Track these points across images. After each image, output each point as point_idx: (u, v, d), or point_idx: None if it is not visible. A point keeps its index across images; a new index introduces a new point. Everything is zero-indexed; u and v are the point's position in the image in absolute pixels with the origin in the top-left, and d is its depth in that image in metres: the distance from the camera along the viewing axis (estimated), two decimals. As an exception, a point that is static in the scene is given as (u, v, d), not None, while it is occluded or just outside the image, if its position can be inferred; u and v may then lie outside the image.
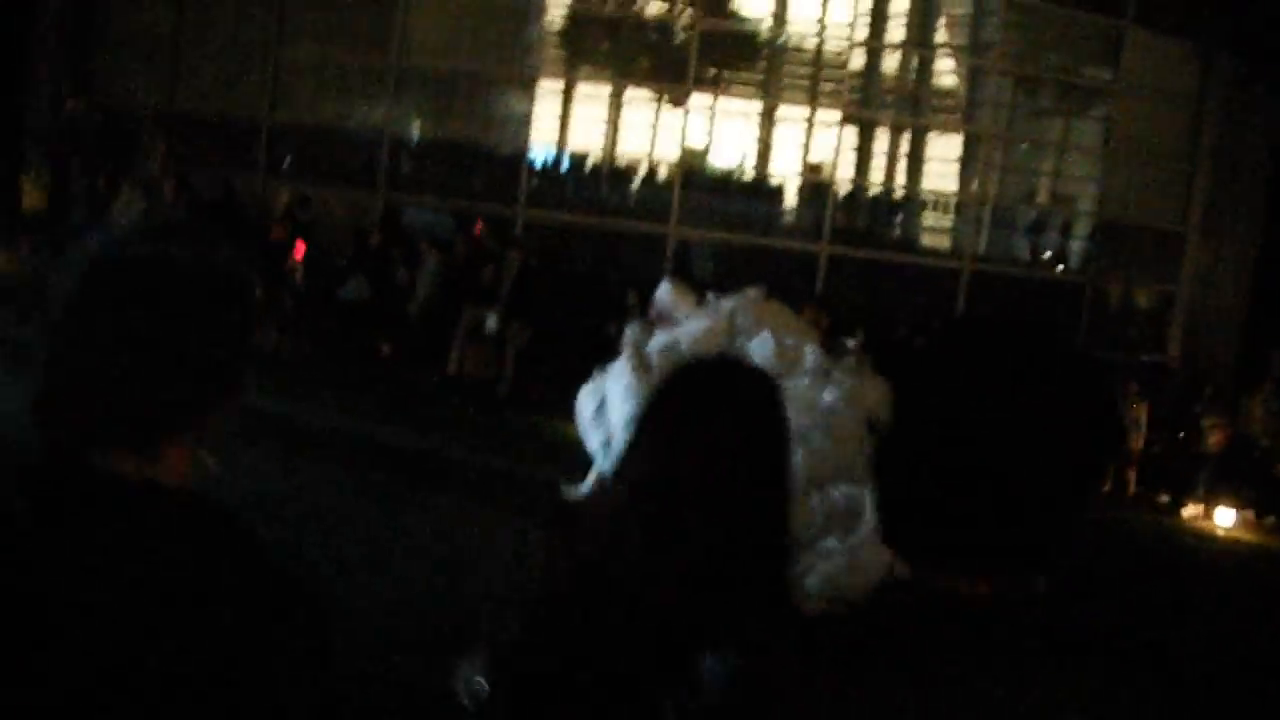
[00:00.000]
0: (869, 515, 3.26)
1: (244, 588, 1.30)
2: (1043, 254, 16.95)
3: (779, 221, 16.24)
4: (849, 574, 3.12)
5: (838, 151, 15.87)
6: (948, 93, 16.65)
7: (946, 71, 16.64)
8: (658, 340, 3.92)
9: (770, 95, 16.00)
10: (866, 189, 16.62)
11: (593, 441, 3.68)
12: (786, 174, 16.23)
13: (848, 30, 15.64)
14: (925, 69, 16.43)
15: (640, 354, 3.82)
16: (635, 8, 15.85)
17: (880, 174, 16.74)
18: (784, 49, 15.88)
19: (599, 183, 16.35)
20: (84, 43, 16.45)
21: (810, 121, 15.98)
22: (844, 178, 16.07)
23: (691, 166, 15.78)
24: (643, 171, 16.14)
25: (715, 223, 15.72)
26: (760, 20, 15.78)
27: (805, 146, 15.98)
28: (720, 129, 16.08)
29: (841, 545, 3.30)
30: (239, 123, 15.86)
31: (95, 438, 1.29)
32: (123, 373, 1.28)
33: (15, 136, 15.38)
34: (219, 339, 1.34)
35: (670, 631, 1.76)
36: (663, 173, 15.91)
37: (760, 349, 3.79)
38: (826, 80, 15.83)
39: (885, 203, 16.99)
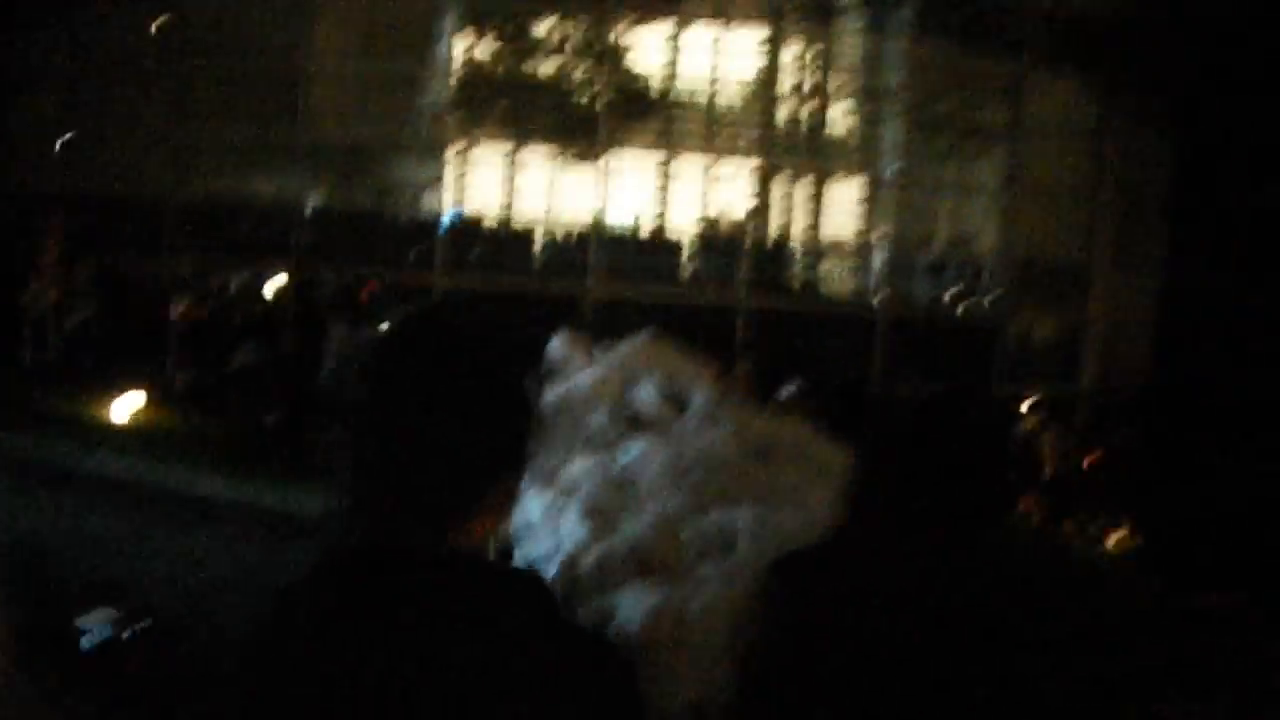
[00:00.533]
0: (744, 543, 3.34)
1: (559, 649, 1.31)
2: (953, 295, 17.07)
3: (686, 274, 16.32)
4: (731, 598, 3.14)
5: (751, 201, 16.04)
6: (847, 138, 16.88)
7: (845, 116, 16.89)
8: (551, 394, 4.00)
9: (672, 148, 16.19)
10: (780, 238, 16.74)
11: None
12: (693, 226, 16.35)
13: (747, 80, 15.90)
14: (823, 115, 16.67)
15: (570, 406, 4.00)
16: (534, 69, 16.05)
17: (789, 222, 16.88)
18: (683, 103, 16.11)
19: (513, 244, 16.40)
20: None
21: (713, 173, 16.15)
22: (751, 228, 16.19)
23: (602, 224, 15.87)
24: (553, 231, 16.22)
25: (629, 279, 15.74)
26: (659, 75, 16.01)
27: (707, 198, 16.13)
28: (625, 184, 16.21)
29: (716, 572, 3.36)
30: (139, 201, 15.86)
31: (419, 517, 1.30)
32: (447, 448, 1.29)
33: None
34: (520, 408, 1.35)
35: None
36: (574, 232, 16.01)
37: (645, 395, 3.94)
38: (726, 131, 16.04)
39: (797, 250, 17.11)
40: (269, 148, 16.01)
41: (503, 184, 16.27)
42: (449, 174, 16.18)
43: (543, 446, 3.74)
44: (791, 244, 17.01)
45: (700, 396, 4.10)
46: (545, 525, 3.62)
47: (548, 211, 16.24)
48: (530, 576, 1.36)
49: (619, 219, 16.27)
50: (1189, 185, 16.41)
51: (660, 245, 16.43)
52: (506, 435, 1.33)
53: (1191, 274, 15.91)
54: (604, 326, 14.12)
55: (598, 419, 4.05)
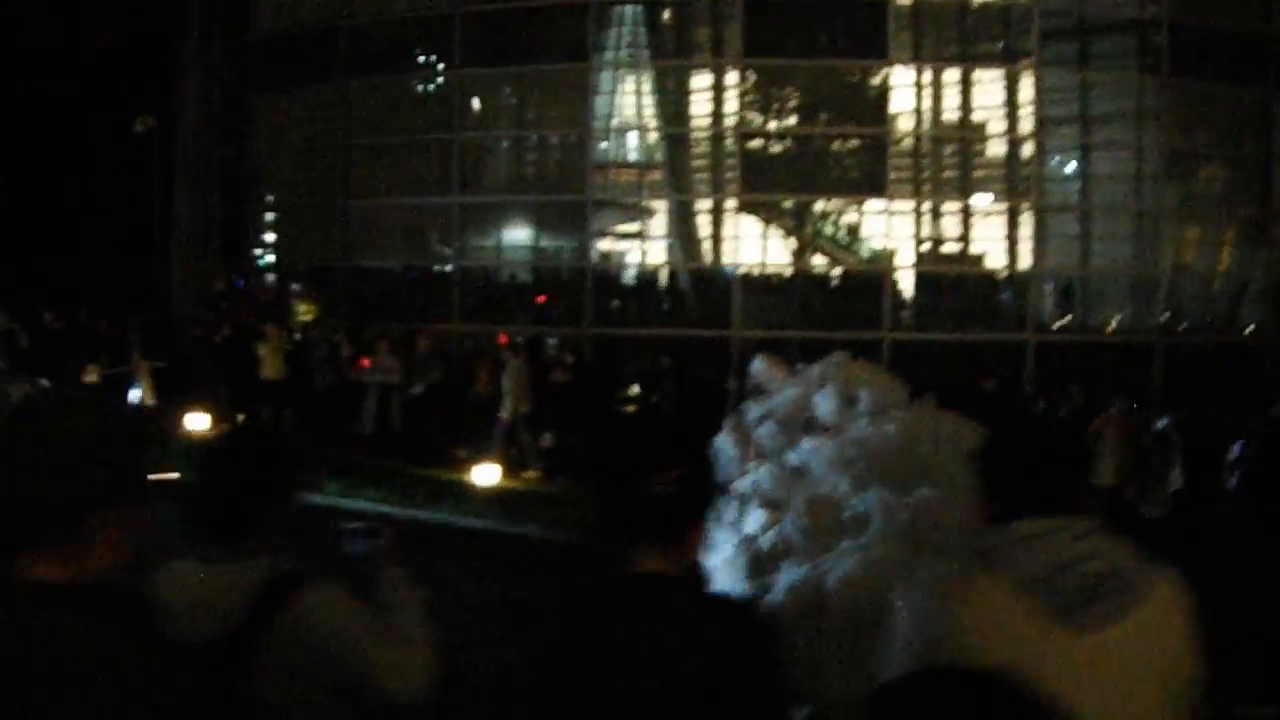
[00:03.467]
0: (877, 519, 3.50)
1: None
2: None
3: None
4: (863, 570, 3.31)
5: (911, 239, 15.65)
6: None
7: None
8: (755, 410, 4.31)
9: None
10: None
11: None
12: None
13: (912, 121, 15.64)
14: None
15: (741, 424, 4.28)
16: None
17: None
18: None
19: (668, 294, 16.47)
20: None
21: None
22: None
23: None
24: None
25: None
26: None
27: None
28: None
29: (853, 546, 3.49)
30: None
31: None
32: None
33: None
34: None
35: None
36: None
37: (823, 400, 4.18)
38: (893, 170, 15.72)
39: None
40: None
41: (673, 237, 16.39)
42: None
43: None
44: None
45: (870, 396, 4.11)
46: (728, 527, 3.76)
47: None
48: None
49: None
50: None
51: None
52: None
53: None
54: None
55: (773, 427, 4.14)
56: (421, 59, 16.81)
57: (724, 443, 4.21)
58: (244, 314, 15.59)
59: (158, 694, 1.41)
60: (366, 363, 13.70)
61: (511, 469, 11.36)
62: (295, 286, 17.86)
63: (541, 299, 16.48)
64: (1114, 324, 16.55)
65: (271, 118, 17.88)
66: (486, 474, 10.82)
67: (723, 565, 3.60)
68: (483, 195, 16.57)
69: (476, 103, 16.79)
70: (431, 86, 16.75)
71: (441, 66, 16.45)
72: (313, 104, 17.29)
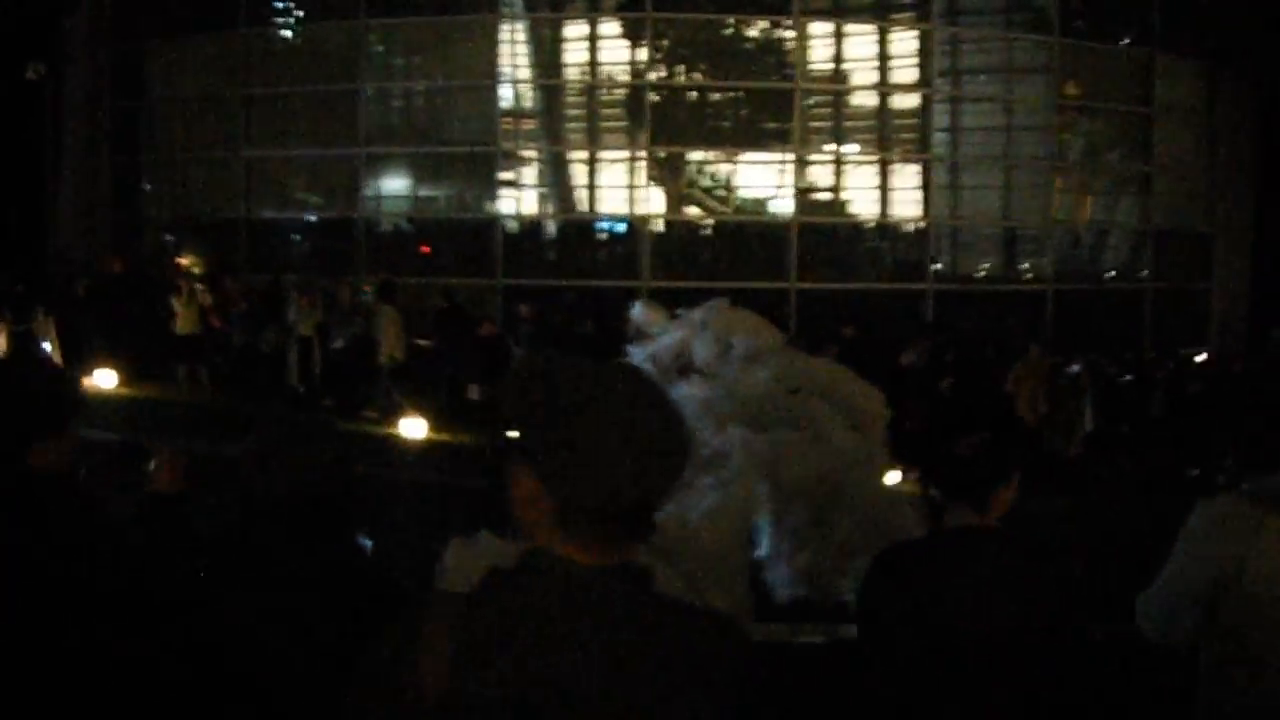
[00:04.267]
0: (737, 457, 3.73)
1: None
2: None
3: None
4: (723, 503, 3.52)
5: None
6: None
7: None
8: (637, 354, 4.40)
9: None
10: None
11: None
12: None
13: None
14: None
15: None
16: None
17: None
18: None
19: (579, 245, 16.57)
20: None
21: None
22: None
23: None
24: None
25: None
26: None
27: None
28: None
29: (714, 481, 3.70)
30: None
31: None
32: None
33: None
34: None
35: None
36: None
37: (701, 345, 4.33)
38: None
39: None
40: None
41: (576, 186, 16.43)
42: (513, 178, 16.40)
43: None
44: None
45: (744, 343, 4.28)
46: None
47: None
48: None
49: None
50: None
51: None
52: None
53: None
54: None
55: (651, 371, 4.23)
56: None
57: None
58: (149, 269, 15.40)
59: None
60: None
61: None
62: (168, 238, 17.53)
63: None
64: (995, 272, 17.29)
65: (164, 66, 17.43)
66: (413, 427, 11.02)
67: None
68: (389, 146, 16.41)
69: (381, 51, 16.60)
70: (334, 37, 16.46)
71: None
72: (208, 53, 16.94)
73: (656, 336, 4.57)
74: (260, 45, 16.63)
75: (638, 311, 4.83)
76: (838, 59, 16.37)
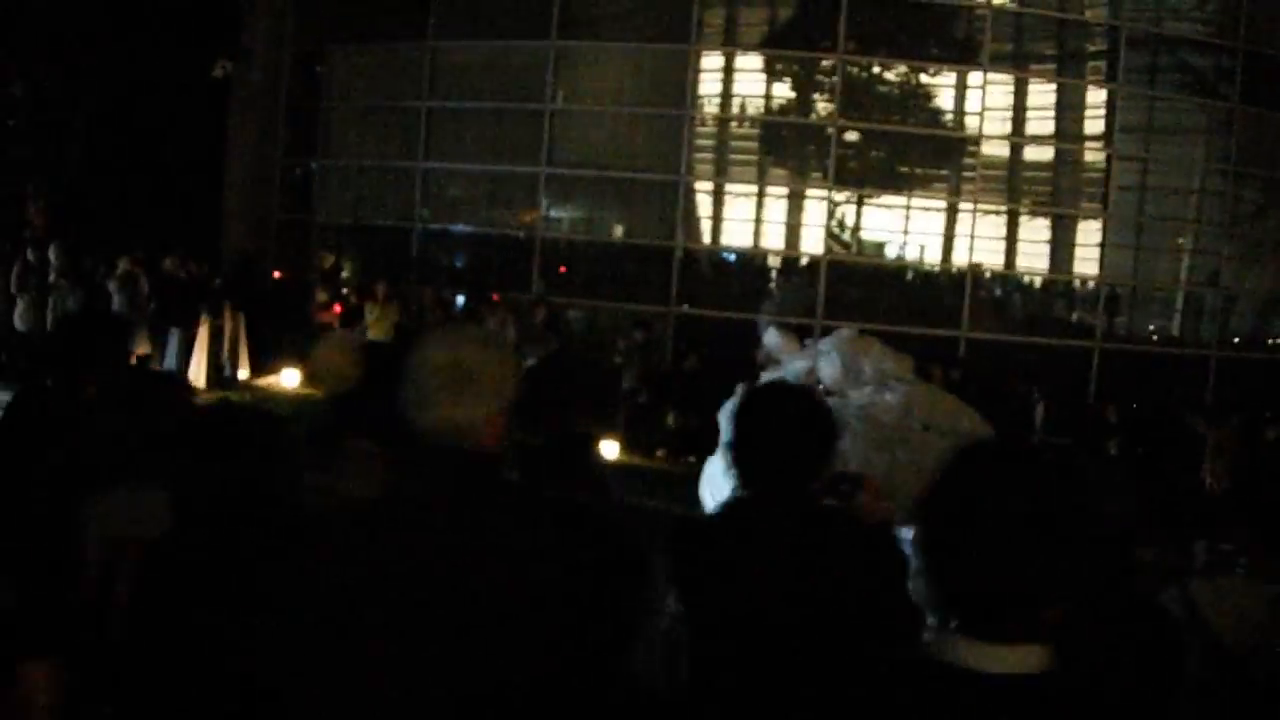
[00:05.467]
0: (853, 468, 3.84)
1: None
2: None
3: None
4: None
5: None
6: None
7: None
8: (768, 377, 4.56)
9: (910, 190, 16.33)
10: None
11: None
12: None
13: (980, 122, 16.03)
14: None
15: None
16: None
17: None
18: (922, 144, 16.24)
19: (754, 279, 16.66)
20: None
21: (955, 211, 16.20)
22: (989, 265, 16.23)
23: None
24: (790, 264, 16.43)
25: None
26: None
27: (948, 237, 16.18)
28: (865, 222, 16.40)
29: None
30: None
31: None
32: None
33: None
34: None
35: None
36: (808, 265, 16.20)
37: (827, 366, 4.57)
38: (966, 173, 16.11)
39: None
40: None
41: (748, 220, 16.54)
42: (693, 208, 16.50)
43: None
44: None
45: (874, 368, 4.49)
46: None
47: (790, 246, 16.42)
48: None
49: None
50: None
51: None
52: None
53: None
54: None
55: None
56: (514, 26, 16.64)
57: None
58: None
59: None
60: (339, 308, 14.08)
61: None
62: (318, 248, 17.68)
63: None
64: (1159, 335, 17.27)
65: (344, 73, 17.59)
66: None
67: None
68: (571, 168, 16.52)
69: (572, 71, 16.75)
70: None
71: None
72: (390, 63, 17.09)
73: (787, 362, 4.72)
74: (445, 59, 16.77)
75: (770, 337, 5.05)
76: (1018, 109, 16.48)
